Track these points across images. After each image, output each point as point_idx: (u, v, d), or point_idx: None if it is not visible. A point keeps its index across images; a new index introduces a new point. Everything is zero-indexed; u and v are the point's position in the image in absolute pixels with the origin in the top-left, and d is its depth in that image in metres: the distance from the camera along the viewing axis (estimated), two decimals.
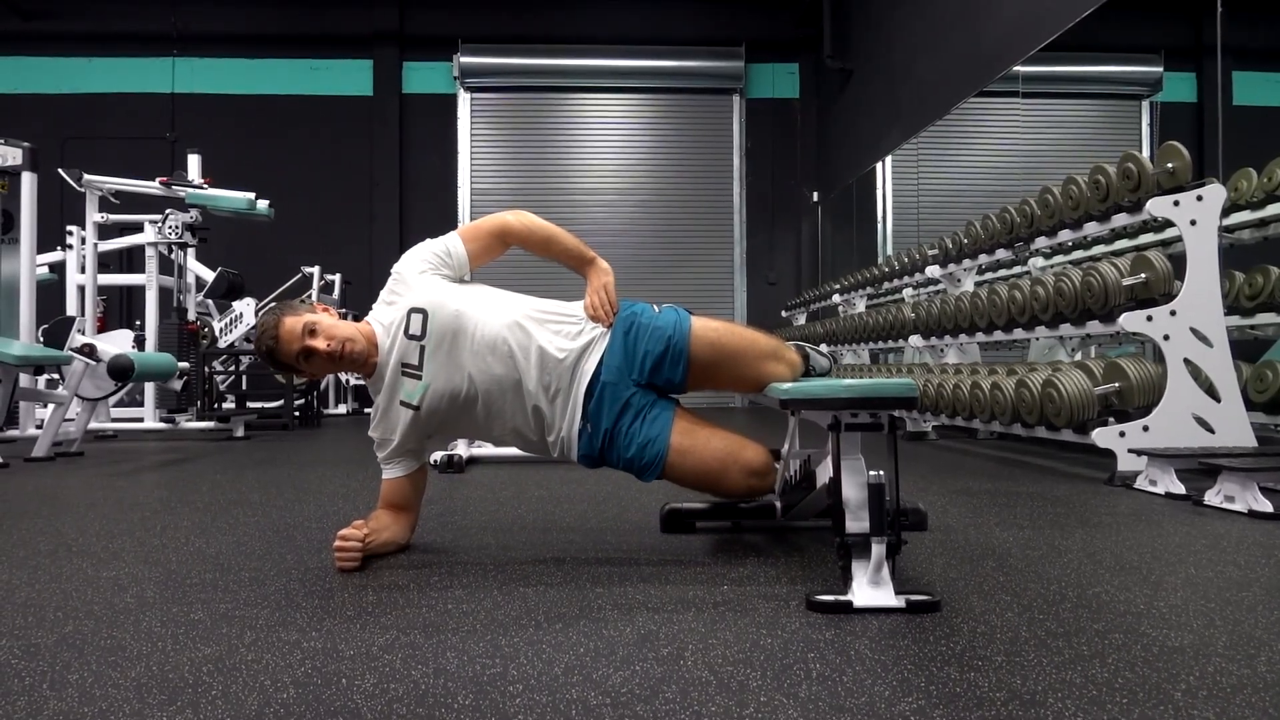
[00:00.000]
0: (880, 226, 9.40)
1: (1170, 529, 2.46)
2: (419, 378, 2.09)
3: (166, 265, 6.31)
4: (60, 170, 5.62)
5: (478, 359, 2.07)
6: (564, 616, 1.60)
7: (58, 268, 7.08)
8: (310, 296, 9.10)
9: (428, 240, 2.22)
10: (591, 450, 2.12)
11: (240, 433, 5.88)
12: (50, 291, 7.52)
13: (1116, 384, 3.43)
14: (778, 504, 2.39)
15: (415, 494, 2.23)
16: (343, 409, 9.18)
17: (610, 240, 10.72)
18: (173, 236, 5.81)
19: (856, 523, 1.71)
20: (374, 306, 2.21)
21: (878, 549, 1.65)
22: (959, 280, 5.51)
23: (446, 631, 1.51)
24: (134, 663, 1.36)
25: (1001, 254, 4.76)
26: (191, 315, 6.79)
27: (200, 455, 4.75)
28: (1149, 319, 3.32)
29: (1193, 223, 3.33)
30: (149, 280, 6.01)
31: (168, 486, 3.49)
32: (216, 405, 6.75)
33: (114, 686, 1.25)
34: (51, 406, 4.44)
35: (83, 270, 5.97)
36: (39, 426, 4.65)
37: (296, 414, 7.37)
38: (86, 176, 5.70)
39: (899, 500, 1.71)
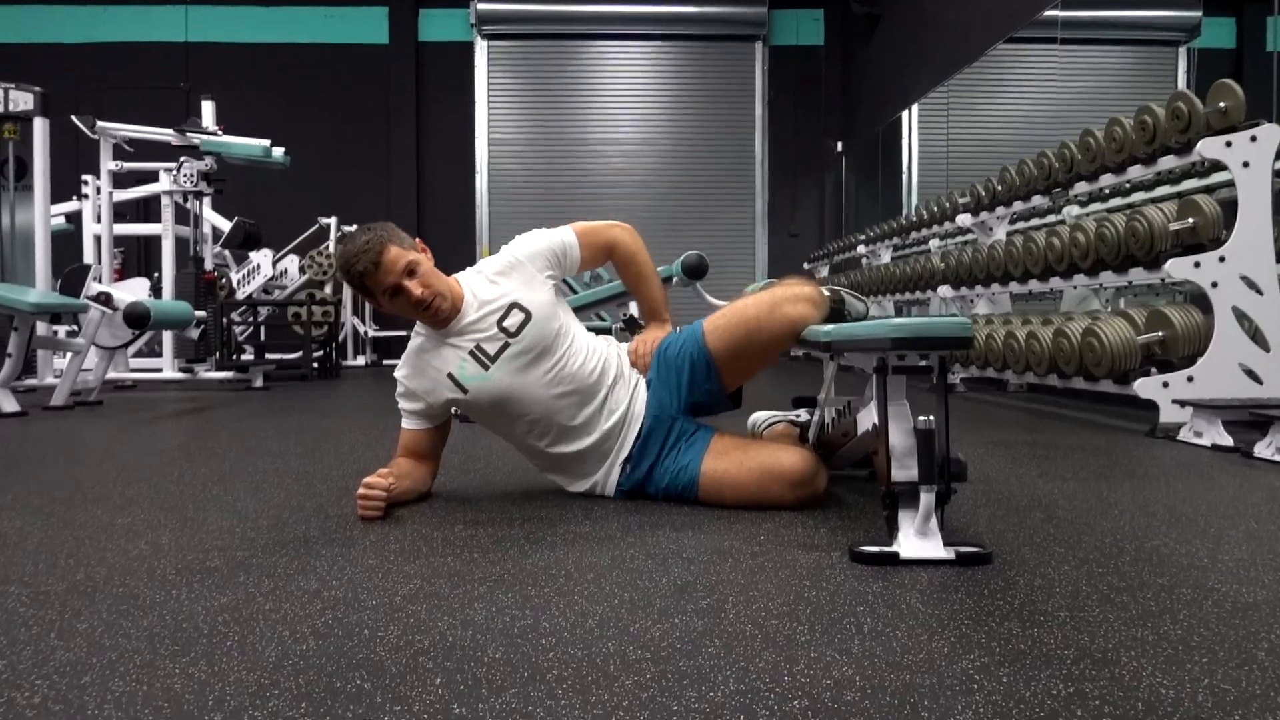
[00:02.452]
0: (905, 177, 9.19)
1: (1223, 481, 2.36)
2: (485, 368, 2.00)
3: (182, 215, 6.23)
4: (74, 118, 5.53)
5: (551, 383, 2.01)
6: (595, 567, 1.52)
7: (74, 218, 7.02)
8: (327, 247, 9.03)
9: (545, 231, 2.13)
10: (634, 481, 2.10)
11: (259, 383, 5.84)
12: (66, 242, 7.48)
13: (1160, 333, 3.31)
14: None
15: (438, 445, 2.16)
16: (361, 360, 9.16)
17: (629, 192, 10.57)
18: (188, 185, 5.72)
19: (903, 470, 1.62)
20: (471, 272, 2.11)
21: (926, 498, 1.56)
22: (991, 229, 5.35)
23: (473, 581, 1.44)
24: (146, 611, 1.29)
25: (1037, 201, 4.60)
26: (209, 265, 6.72)
27: (219, 405, 4.71)
28: (1196, 265, 3.19)
29: (1245, 164, 3.17)
30: (165, 229, 5.94)
31: (186, 434, 3.45)
32: (235, 356, 6.72)
33: (124, 636, 1.19)
34: (69, 355, 4.40)
35: (98, 220, 5.90)
36: (57, 375, 4.61)
37: (315, 365, 7.34)
38: (100, 124, 5.60)
39: (949, 447, 1.61)
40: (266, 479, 2.41)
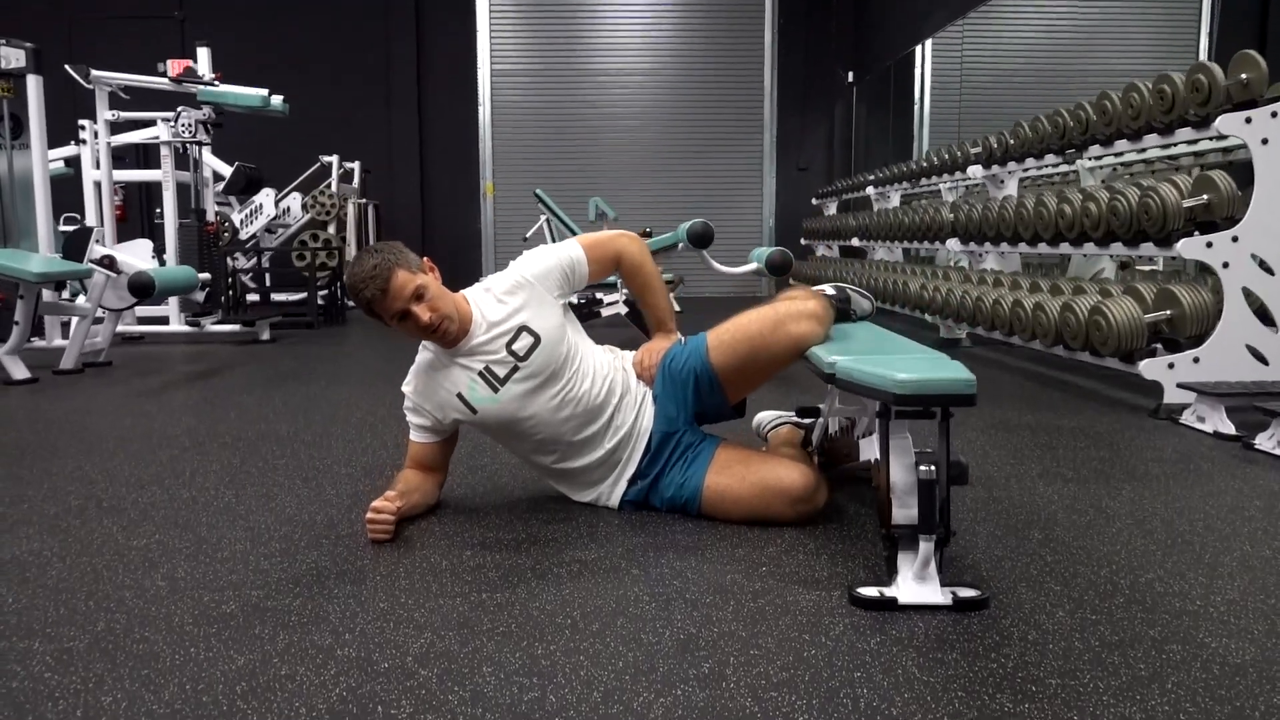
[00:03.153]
0: (917, 112, 8.98)
1: (1221, 483, 2.38)
2: (495, 391, 2.01)
3: (183, 160, 6.15)
4: (67, 67, 5.41)
5: (560, 405, 2.03)
6: (600, 613, 1.56)
7: (73, 161, 6.93)
8: (329, 186, 8.93)
9: (553, 247, 2.11)
10: (637, 498, 2.13)
11: (266, 335, 5.86)
12: (67, 185, 7.41)
13: (1168, 312, 3.29)
14: (815, 459, 2.33)
15: (445, 456, 2.19)
16: None
17: (634, 125, 10.37)
18: (187, 135, 5.63)
19: (904, 511, 1.64)
20: (479, 289, 2.09)
21: (925, 546, 1.59)
22: (1002, 182, 5.27)
23: (481, 634, 1.48)
24: (168, 678, 1.33)
25: (1050, 160, 4.51)
26: (210, 212, 6.67)
27: (227, 365, 4.74)
28: (1209, 245, 3.15)
29: (1264, 141, 3.10)
30: (165, 179, 5.88)
31: (196, 413, 3.48)
32: (240, 301, 6.71)
33: (148, 715, 1.23)
34: (76, 319, 4.41)
35: (98, 166, 5.83)
36: (65, 336, 4.63)
37: (321, 309, 7.35)
38: (94, 73, 5.49)
39: (949, 492, 1.63)
40: (277, 480, 2.45)
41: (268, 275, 7.76)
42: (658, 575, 1.75)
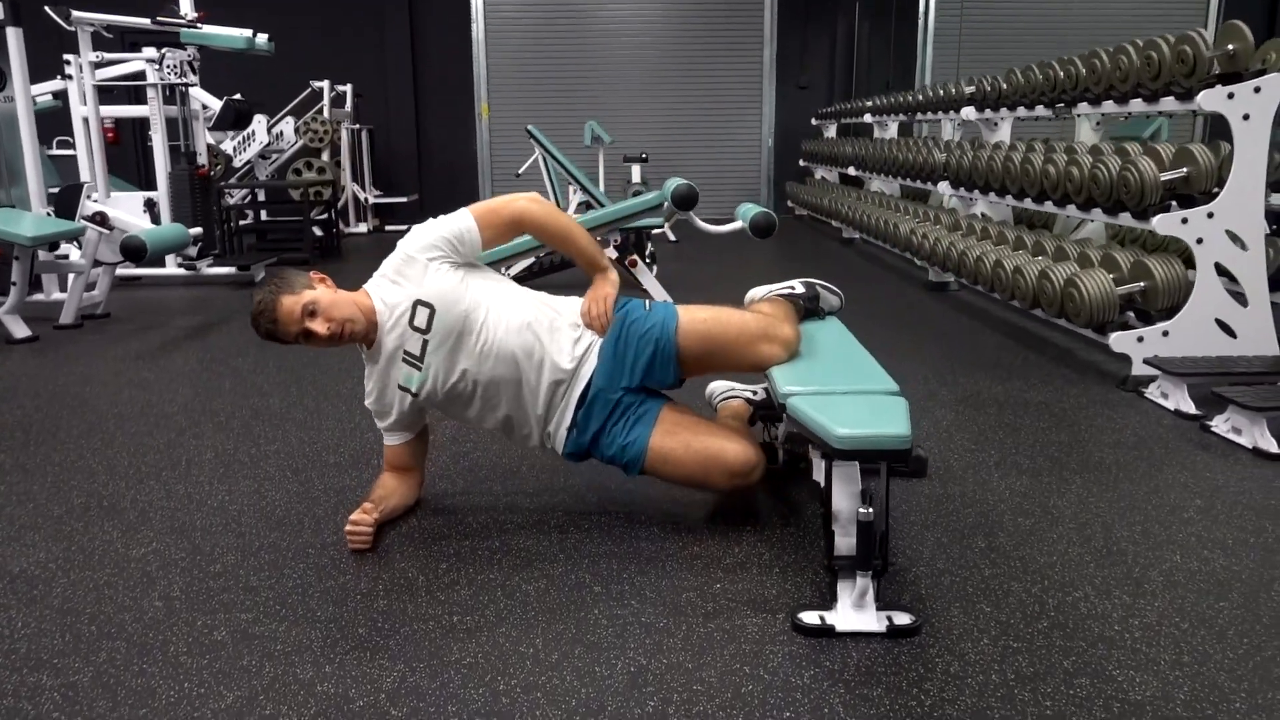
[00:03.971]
0: (921, 32, 8.76)
1: (1169, 475, 2.49)
2: (419, 368, 2.09)
3: (171, 98, 6.10)
4: (47, 9, 5.31)
5: (481, 361, 2.07)
6: (560, 640, 1.70)
7: (61, 95, 6.86)
8: (321, 111, 8.82)
9: (441, 219, 2.13)
10: (578, 449, 2.18)
11: (261, 278, 5.92)
12: (56, 118, 7.35)
13: (1141, 284, 3.34)
14: (782, 451, 2.45)
15: (418, 456, 2.30)
16: (363, 227, 9.15)
17: (631, 42, 10.14)
18: (173, 77, 5.57)
19: (845, 540, 1.75)
20: (376, 277, 2.16)
21: (862, 581, 1.71)
22: (995, 125, 5.22)
23: (449, 666, 1.61)
24: (163, 716, 1.48)
25: (1041, 111, 4.47)
26: (202, 143, 6.63)
27: (223, 316, 4.83)
28: (1184, 221, 3.18)
29: (1245, 117, 3.09)
30: (153, 121, 5.83)
31: (192, 382, 3.58)
32: (236, 239, 6.74)
33: None
34: (72, 275, 4.49)
35: (85, 102, 5.78)
36: (63, 289, 4.71)
37: (317, 242, 7.38)
38: (75, 14, 5.39)
39: (888, 525, 1.74)
40: (268, 472, 2.57)
41: (264, 210, 7.74)
42: (618, 593, 1.87)
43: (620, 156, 9.37)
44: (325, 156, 8.82)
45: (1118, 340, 3.29)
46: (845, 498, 1.79)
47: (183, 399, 3.34)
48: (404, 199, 9.46)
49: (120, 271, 5.49)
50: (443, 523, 2.24)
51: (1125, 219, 3.44)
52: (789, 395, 1.86)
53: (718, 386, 2.61)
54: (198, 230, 5.34)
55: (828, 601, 1.78)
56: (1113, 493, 2.38)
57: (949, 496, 2.36)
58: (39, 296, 4.81)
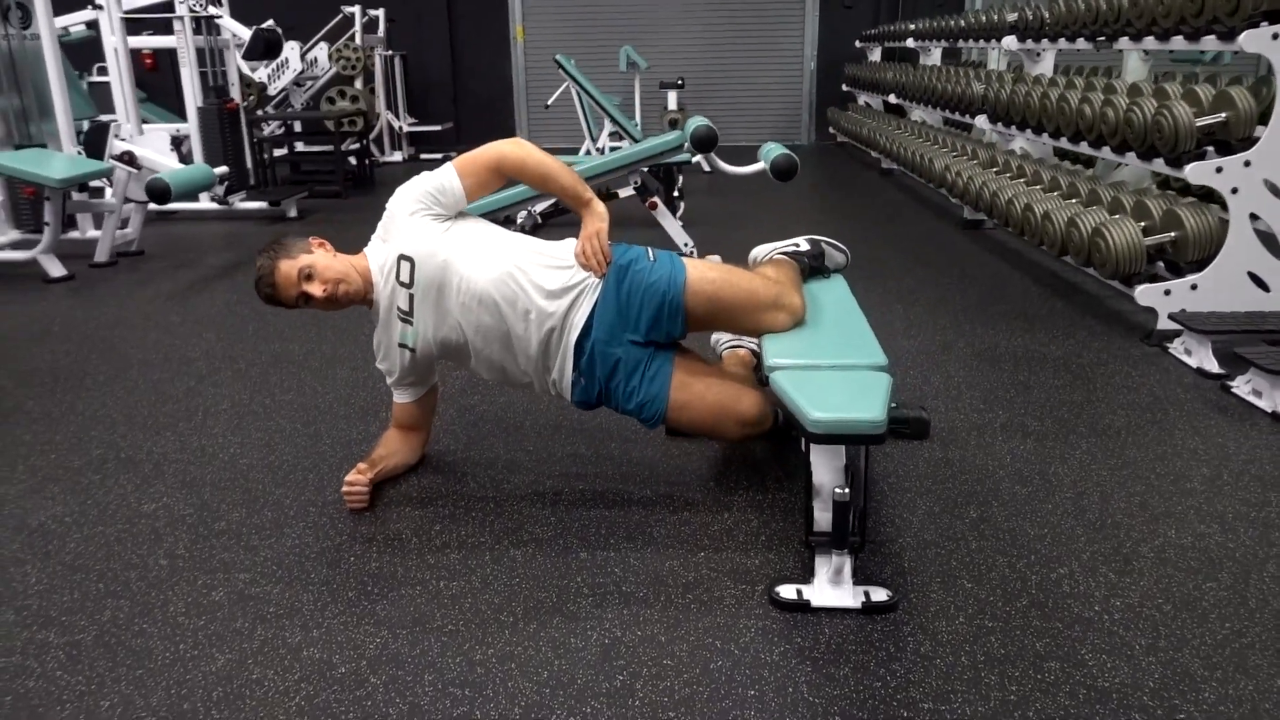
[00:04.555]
0: None
1: (1179, 442, 2.44)
2: (410, 323, 2.11)
3: (201, 27, 6.08)
4: None
5: (465, 311, 2.06)
6: (540, 609, 1.74)
7: (94, 24, 6.87)
8: (354, 38, 8.73)
9: (423, 175, 2.12)
10: (587, 398, 2.16)
11: (293, 213, 5.98)
12: (93, 46, 7.37)
13: (1172, 234, 3.22)
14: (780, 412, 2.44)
15: (424, 416, 2.34)
16: (398, 156, 9.12)
17: None
18: (200, 9, 5.53)
19: (825, 515, 1.75)
20: (372, 238, 2.18)
21: (838, 559, 1.72)
22: (1038, 56, 4.99)
23: (431, 632, 1.67)
24: (158, 679, 1.56)
25: (1081, 44, 4.26)
26: (234, 79, 6.62)
27: (254, 252, 4.88)
28: (1218, 170, 3.03)
29: None
30: (181, 53, 5.83)
31: (216, 326, 3.66)
32: (269, 171, 6.77)
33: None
34: (106, 213, 4.57)
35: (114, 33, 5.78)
36: (98, 227, 4.80)
37: (351, 174, 7.39)
38: None
39: (866, 503, 1.74)
40: (279, 425, 2.64)
41: (299, 140, 7.75)
42: (602, 560, 1.91)
43: (656, 82, 9.16)
44: (358, 85, 8.77)
45: (1144, 293, 3.20)
46: (826, 472, 1.80)
47: (206, 343, 3.42)
48: (438, 127, 9.39)
49: (156, 206, 5.58)
50: (442, 481, 2.29)
51: (1159, 165, 3.30)
52: (773, 369, 1.85)
53: (723, 335, 2.57)
54: (223, 169, 5.37)
55: (809, 574, 1.79)
56: (1117, 459, 2.34)
57: (948, 461, 2.34)
58: (74, 234, 4.91)
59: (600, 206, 2.12)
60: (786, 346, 1.97)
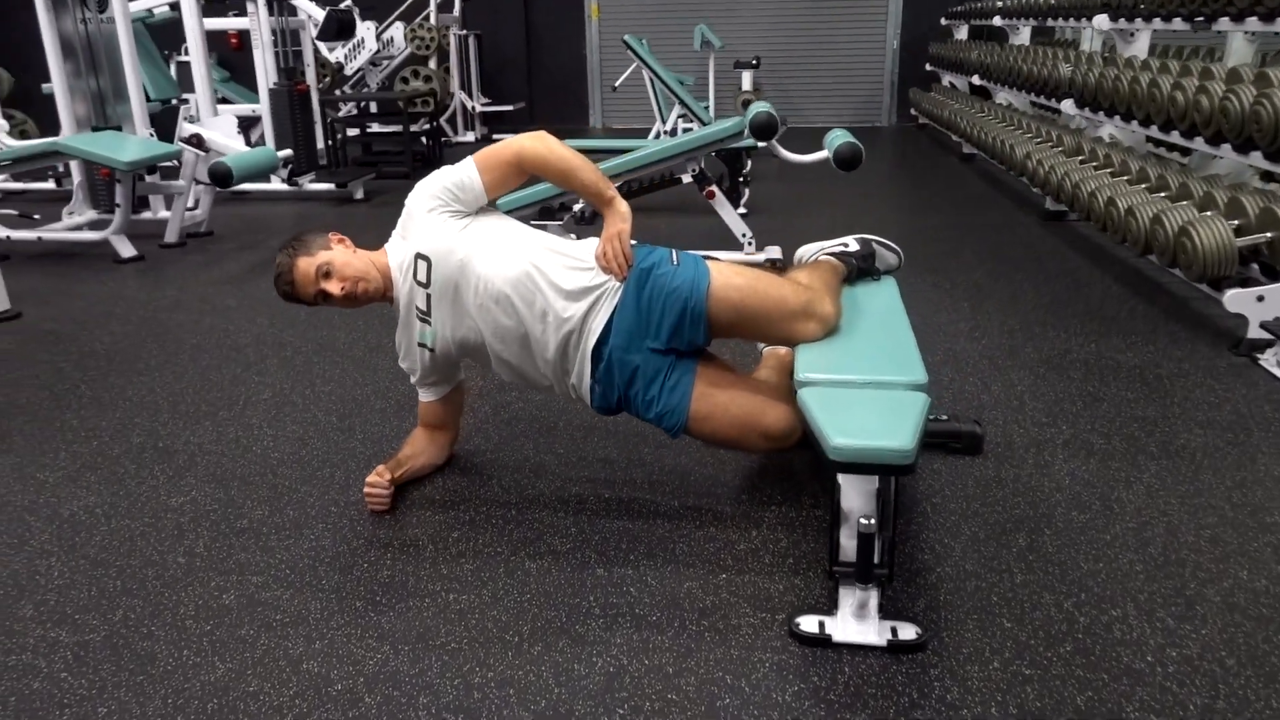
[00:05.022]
0: None
1: (1261, 467, 2.23)
2: (429, 323, 2.06)
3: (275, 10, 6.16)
4: None
5: (483, 311, 2.00)
6: (548, 630, 1.68)
7: (176, 5, 7.03)
8: (428, 18, 8.76)
9: (444, 169, 2.06)
10: (607, 404, 2.07)
11: (360, 195, 6.03)
12: (177, 28, 7.55)
13: (1268, 235, 2.96)
14: None
15: (450, 414, 2.29)
16: (470, 136, 9.15)
17: None
18: None
19: (850, 543, 1.64)
20: (393, 234, 2.13)
21: (861, 594, 1.61)
22: (1131, 36, 4.67)
23: (434, 650, 1.62)
24: (157, 686, 1.55)
25: (1179, 24, 3.96)
26: (309, 60, 6.70)
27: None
28: None
29: None
30: (254, 36, 5.91)
31: (269, 310, 3.68)
32: (341, 151, 6.84)
33: None
34: (176, 195, 4.66)
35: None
36: (170, 208, 4.91)
37: (422, 152, 7.42)
38: None
39: (895, 532, 1.62)
40: (315, 418, 2.64)
41: (375, 121, 7.80)
42: (619, 578, 1.83)
43: (731, 62, 8.95)
44: (432, 64, 8.81)
45: (1233, 298, 2.95)
46: (855, 497, 1.68)
47: (258, 329, 3.45)
48: (510, 107, 9.38)
49: (250, 186, 5.69)
50: (467, 484, 2.24)
51: (1257, 159, 3.03)
52: (803, 384, 1.73)
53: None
54: (287, 152, 5.43)
55: (834, 604, 1.68)
56: (1190, 485, 2.15)
57: (1001, 481, 2.19)
58: (147, 215, 5.04)
59: (623, 206, 2.03)
60: (819, 359, 1.85)
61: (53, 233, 4.70)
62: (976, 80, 7.14)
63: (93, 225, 4.83)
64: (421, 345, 2.11)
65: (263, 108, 5.87)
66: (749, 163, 5.19)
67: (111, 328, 3.50)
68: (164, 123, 4.66)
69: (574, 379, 2.06)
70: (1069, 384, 2.76)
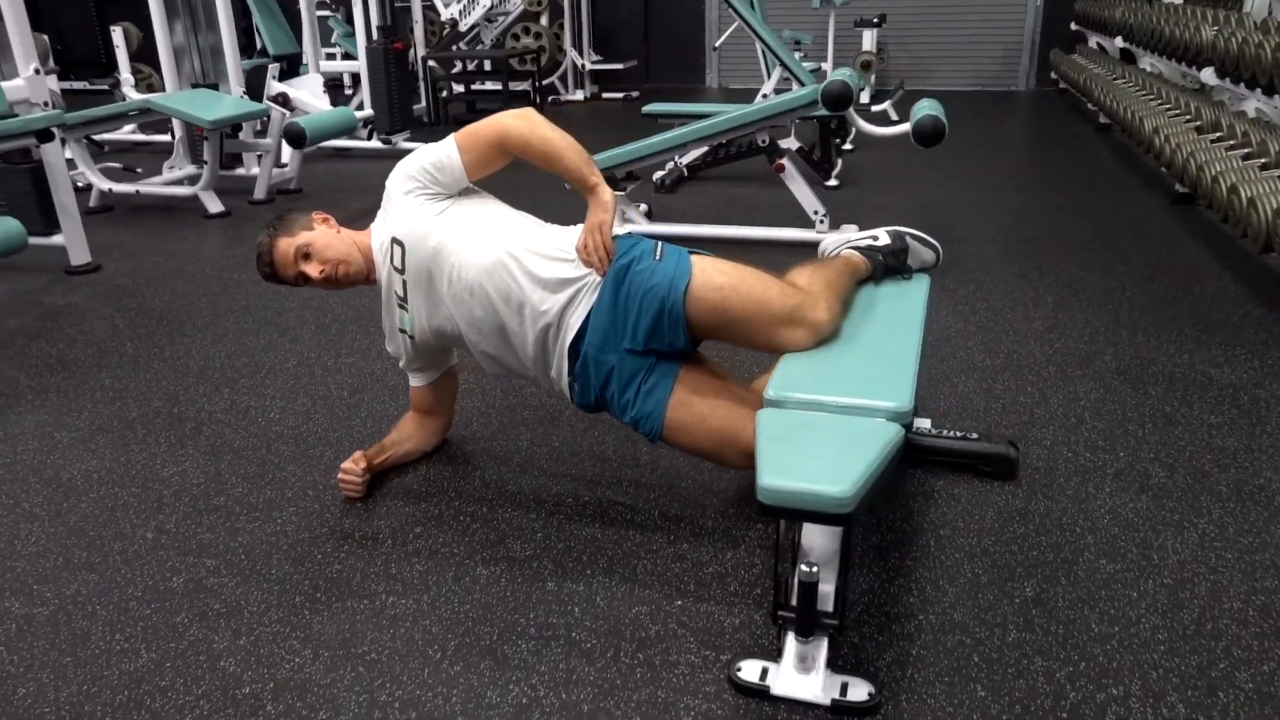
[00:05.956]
0: None
1: None
2: (406, 309, 1.98)
3: None
4: None
5: (457, 301, 1.90)
6: (474, 646, 1.58)
7: None
8: None
9: (425, 148, 1.96)
10: (586, 403, 1.94)
11: None
12: None
13: None
14: None
15: (441, 401, 2.22)
16: (580, 95, 9.05)
17: None
18: None
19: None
20: (378, 215, 2.05)
21: (801, 648, 1.43)
22: None
23: (351, 659, 1.56)
24: (78, 671, 1.54)
25: None
26: (418, 17, 6.73)
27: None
28: None
29: None
30: None
31: None
32: (443, 110, 6.87)
33: (54, 696, 1.44)
34: (262, 153, 4.77)
35: None
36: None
37: None
38: None
39: (847, 581, 1.43)
40: (328, 390, 2.62)
41: (486, 79, 7.80)
42: (567, 594, 1.72)
43: (852, 20, 8.47)
44: (544, 21, 8.73)
45: None
46: (818, 535, 1.50)
47: (306, 293, 3.45)
48: (621, 65, 9.21)
49: (331, 144, 5.80)
50: (449, 474, 2.16)
51: None
52: (769, 402, 1.55)
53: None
54: (367, 113, 5.47)
55: (782, 648, 1.52)
56: (1255, 538, 1.85)
57: (1026, 514, 1.94)
58: (240, 171, 5.19)
59: (607, 194, 1.87)
60: (797, 373, 1.66)
61: (150, 186, 4.90)
62: (1120, 43, 6.49)
63: (190, 180, 5.01)
64: (402, 331, 2.04)
65: (360, 65, 5.94)
66: (853, 129, 4.85)
67: (175, 285, 3.60)
68: (255, 83, 4.75)
69: (554, 373, 1.94)
70: (1143, 401, 2.44)
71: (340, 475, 2.04)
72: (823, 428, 1.46)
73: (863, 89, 7.98)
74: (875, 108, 6.80)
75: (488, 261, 1.85)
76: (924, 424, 2.23)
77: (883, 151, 5.86)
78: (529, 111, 1.92)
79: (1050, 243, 3.91)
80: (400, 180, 1.94)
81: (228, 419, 2.46)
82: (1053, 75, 8.51)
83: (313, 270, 1.96)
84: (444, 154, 1.91)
